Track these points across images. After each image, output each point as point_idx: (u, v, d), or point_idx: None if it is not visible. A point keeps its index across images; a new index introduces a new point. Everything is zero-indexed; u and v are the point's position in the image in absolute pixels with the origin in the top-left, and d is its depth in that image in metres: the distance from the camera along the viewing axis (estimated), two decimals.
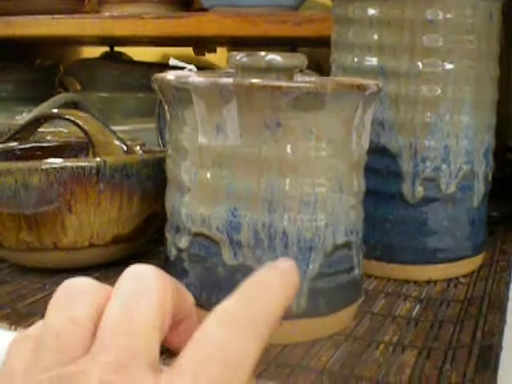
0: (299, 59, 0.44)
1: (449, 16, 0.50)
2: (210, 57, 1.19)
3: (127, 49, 1.24)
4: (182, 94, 0.40)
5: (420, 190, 0.51)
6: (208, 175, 0.40)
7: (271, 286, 0.29)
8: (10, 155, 0.61)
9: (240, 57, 0.43)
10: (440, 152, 0.51)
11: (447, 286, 0.52)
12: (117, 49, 1.23)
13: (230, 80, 0.38)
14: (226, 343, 0.26)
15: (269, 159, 0.39)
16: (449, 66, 0.50)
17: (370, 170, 0.45)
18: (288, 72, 0.43)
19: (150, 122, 0.78)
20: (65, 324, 0.26)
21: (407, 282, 0.52)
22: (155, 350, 0.26)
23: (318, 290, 0.41)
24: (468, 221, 0.53)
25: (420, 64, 0.50)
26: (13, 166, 0.49)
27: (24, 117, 0.95)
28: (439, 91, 0.50)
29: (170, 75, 0.41)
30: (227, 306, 0.28)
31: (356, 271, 0.43)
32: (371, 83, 0.41)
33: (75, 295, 0.28)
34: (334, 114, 0.39)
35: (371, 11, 0.51)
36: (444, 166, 0.51)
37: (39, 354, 0.26)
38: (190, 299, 0.31)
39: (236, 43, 1.01)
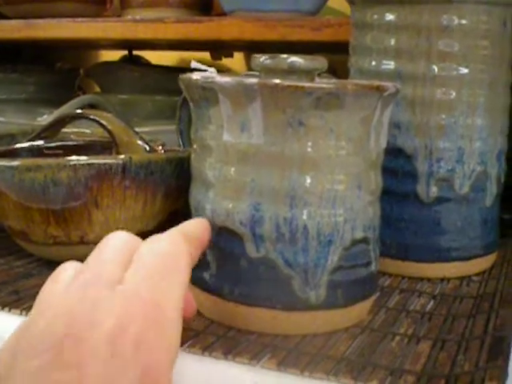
0: (320, 62, 0.45)
1: (464, 22, 0.51)
2: (226, 61, 1.21)
3: (145, 53, 1.26)
4: (209, 93, 0.41)
5: (434, 190, 0.53)
6: (232, 171, 0.42)
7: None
8: (36, 153, 0.63)
9: (263, 59, 0.45)
10: (454, 153, 0.52)
11: (460, 284, 0.53)
12: (135, 52, 1.24)
13: (255, 80, 0.40)
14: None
15: (291, 156, 0.40)
16: (463, 71, 0.52)
17: (385, 171, 0.46)
18: (309, 74, 0.45)
19: (168, 124, 0.80)
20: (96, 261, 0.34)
21: (421, 279, 0.54)
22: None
23: (336, 282, 0.42)
24: (481, 221, 0.55)
25: (436, 68, 0.51)
26: (42, 162, 0.51)
27: (45, 118, 0.96)
28: (454, 94, 0.52)
29: (197, 75, 0.43)
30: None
31: (373, 266, 0.45)
32: (389, 84, 0.42)
33: (110, 246, 0.35)
34: (353, 114, 0.41)
35: (389, 17, 0.52)
36: (458, 167, 0.52)
37: (78, 275, 0.32)
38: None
39: (253, 48, 1.03)
